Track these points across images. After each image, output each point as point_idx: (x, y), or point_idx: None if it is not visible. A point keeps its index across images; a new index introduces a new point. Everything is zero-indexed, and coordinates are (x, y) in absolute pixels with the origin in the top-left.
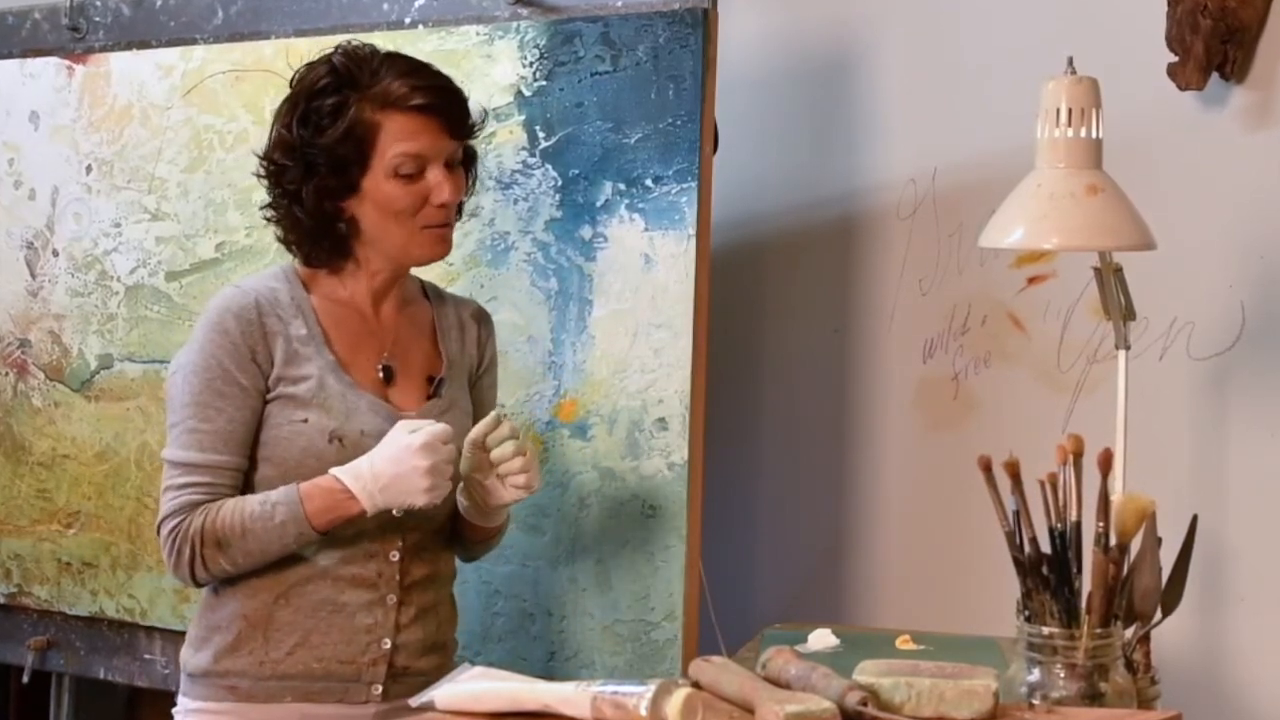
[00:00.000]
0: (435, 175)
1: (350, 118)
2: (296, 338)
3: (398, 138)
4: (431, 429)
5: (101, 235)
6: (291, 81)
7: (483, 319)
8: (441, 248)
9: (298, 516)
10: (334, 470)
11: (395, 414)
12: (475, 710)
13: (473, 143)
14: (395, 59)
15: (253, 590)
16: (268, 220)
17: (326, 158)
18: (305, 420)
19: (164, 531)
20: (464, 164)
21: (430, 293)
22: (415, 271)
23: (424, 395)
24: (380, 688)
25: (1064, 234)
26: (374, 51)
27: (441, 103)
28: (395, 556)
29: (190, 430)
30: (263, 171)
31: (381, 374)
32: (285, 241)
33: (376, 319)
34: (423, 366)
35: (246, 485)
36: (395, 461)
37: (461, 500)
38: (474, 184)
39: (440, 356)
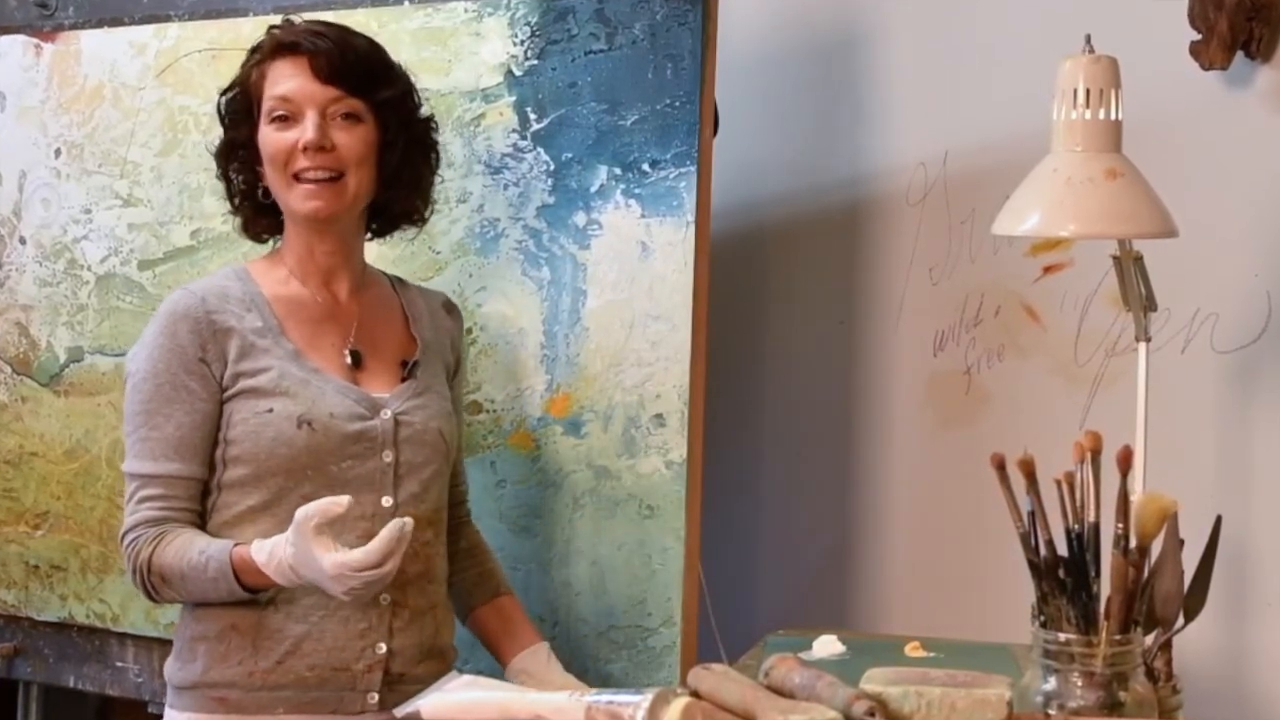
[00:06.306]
0: (308, 122)
1: (244, 73)
2: (251, 330)
3: (273, 82)
4: (346, 559)
5: (71, 222)
6: None
7: (453, 311)
8: (312, 202)
9: (228, 575)
10: (254, 551)
11: (366, 397)
12: None
13: (411, 114)
14: (308, 21)
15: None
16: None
17: (228, 116)
18: (270, 410)
19: (123, 546)
20: (394, 126)
21: (395, 283)
22: (383, 266)
23: (397, 379)
24: (376, 696)
25: (1081, 221)
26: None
27: (310, 45)
28: None
29: (142, 440)
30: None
31: (349, 359)
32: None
33: (335, 304)
34: (395, 351)
35: (210, 492)
36: (313, 572)
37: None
38: (411, 150)
39: (414, 340)
